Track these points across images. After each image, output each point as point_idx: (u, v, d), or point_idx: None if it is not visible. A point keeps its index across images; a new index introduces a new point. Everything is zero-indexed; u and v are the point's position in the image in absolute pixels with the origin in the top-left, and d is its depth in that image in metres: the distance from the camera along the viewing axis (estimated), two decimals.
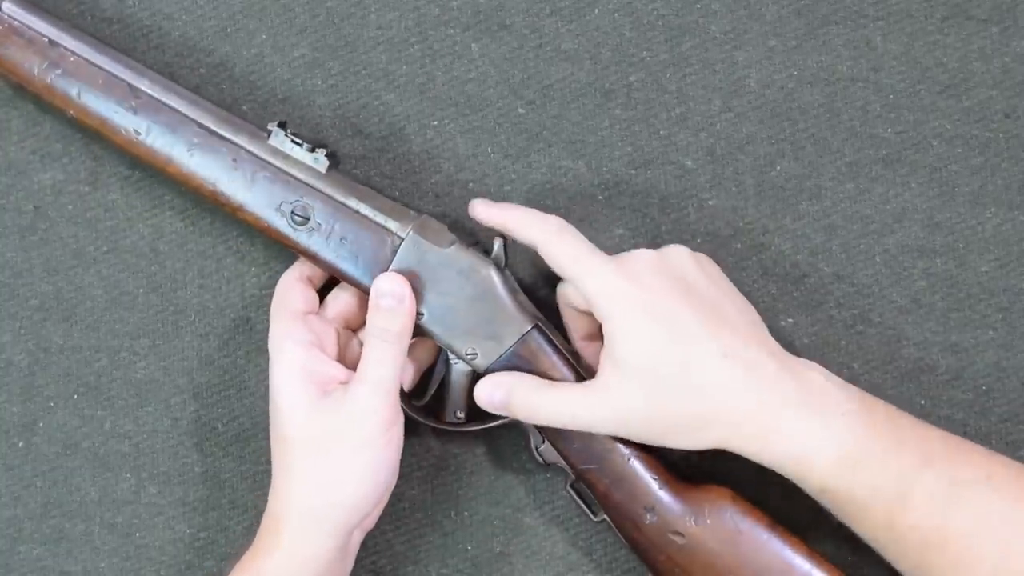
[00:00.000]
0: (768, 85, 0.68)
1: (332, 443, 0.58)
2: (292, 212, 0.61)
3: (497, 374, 0.60)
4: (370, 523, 0.63)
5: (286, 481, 0.59)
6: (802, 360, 0.59)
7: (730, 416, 0.56)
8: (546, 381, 0.60)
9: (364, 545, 0.66)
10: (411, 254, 0.60)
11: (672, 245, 0.60)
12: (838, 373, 0.66)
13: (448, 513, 0.68)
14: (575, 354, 0.62)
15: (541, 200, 0.68)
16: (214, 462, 0.68)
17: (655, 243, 0.67)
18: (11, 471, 0.69)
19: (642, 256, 0.58)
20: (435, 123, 0.69)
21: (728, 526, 0.58)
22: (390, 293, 0.59)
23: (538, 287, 0.67)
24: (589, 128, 0.68)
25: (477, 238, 0.63)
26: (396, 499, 0.67)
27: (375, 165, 0.69)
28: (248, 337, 0.69)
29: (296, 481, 0.59)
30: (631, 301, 0.57)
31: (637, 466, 0.59)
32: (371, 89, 0.69)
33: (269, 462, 0.61)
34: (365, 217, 0.60)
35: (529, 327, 0.60)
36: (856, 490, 0.55)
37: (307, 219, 0.61)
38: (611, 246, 0.67)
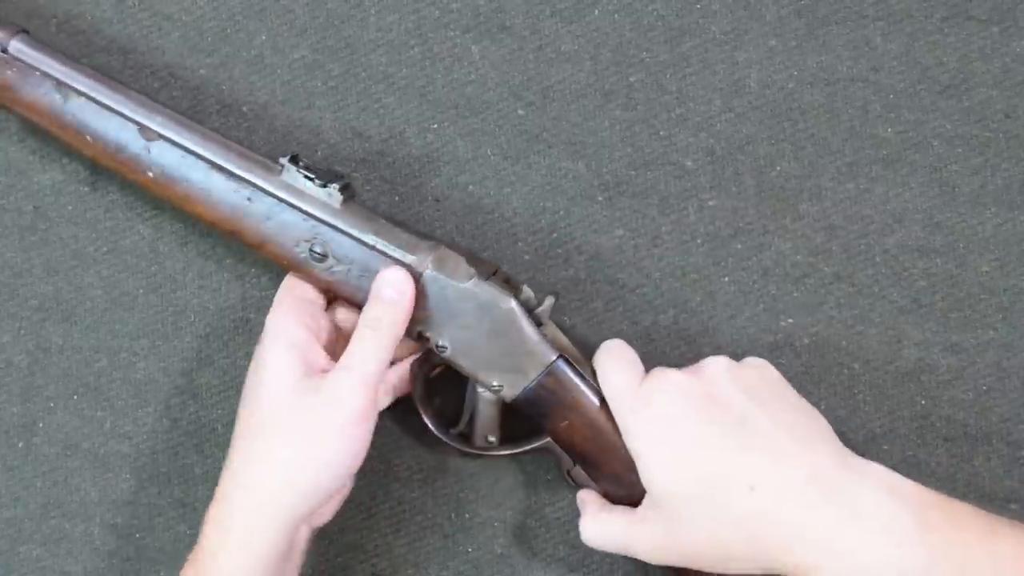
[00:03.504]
0: (768, 85, 0.68)
1: (305, 424, 0.57)
2: (311, 249, 0.60)
3: (586, 493, 0.62)
4: (320, 519, 0.61)
5: (244, 457, 0.58)
6: (861, 465, 0.56)
7: (774, 546, 0.55)
8: (602, 506, 0.61)
9: (364, 548, 0.66)
10: (431, 289, 0.59)
11: (711, 359, 0.59)
12: (838, 373, 0.66)
13: (448, 515, 0.68)
14: None
15: (541, 201, 0.68)
16: (214, 463, 0.68)
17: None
18: (11, 471, 0.69)
19: (670, 380, 0.57)
20: (435, 126, 0.69)
21: None
22: (393, 284, 0.58)
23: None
24: (589, 129, 0.68)
25: (496, 267, 0.62)
26: (396, 502, 0.67)
27: (375, 168, 0.69)
28: (248, 338, 0.68)
29: (258, 458, 0.57)
30: (653, 440, 0.57)
31: None
32: (371, 91, 0.69)
33: None
34: (383, 253, 0.59)
35: (553, 358, 0.59)
36: None
37: (325, 256, 0.60)
38: (611, 246, 0.67)
